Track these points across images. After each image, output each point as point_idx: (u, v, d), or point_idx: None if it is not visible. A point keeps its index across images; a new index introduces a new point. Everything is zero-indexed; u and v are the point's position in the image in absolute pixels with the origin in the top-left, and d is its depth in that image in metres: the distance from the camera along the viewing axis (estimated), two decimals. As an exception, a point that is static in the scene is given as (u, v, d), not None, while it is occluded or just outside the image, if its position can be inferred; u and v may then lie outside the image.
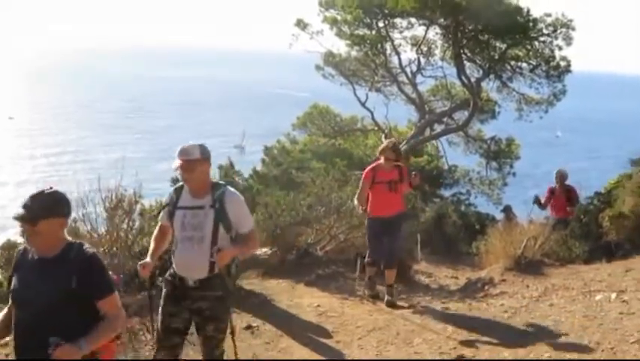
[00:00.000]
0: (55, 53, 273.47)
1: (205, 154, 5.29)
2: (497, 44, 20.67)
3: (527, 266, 10.55)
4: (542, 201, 14.11)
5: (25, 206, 3.91)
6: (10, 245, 11.11)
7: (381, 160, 9.57)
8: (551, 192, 13.99)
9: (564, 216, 13.71)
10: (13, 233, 12.47)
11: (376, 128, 23.55)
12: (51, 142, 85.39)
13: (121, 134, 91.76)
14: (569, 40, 19.66)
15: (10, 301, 4.13)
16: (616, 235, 13.15)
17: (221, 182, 5.52)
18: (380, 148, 9.84)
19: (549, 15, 19.52)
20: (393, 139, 12.71)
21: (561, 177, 13.89)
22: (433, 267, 13.99)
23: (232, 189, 5.39)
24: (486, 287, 10.25)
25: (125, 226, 8.42)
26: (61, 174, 61.35)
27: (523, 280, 10.15)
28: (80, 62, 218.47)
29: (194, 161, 5.20)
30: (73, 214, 8.13)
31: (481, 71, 21.47)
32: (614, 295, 8.56)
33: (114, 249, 8.02)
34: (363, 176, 9.59)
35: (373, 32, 21.55)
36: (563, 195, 13.75)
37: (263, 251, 10.08)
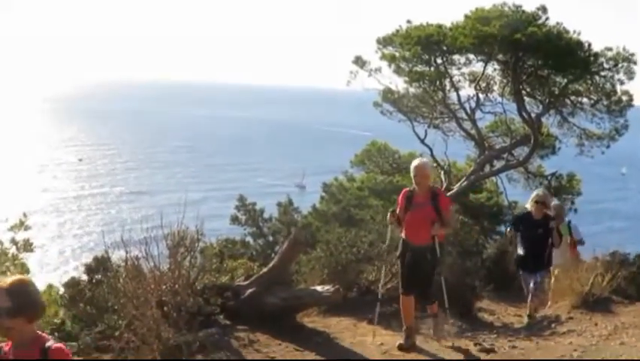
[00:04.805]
0: (109, 93, 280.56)
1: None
2: (557, 79, 20.46)
3: (595, 304, 10.29)
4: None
5: None
6: (74, 283, 11.21)
7: None
8: (408, 199, 8.83)
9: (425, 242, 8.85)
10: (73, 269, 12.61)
11: (435, 164, 23.39)
12: (115, 181, 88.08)
13: (178, 173, 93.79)
14: (630, 74, 19.35)
15: None
16: (686, 271, 12.73)
17: None
18: None
19: (610, 49, 19.27)
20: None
21: (422, 176, 8.71)
22: (495, 304, 13.75)
23: None
24: (553, 325, 10.01)
25: (187, 263, 8.41)
26: (125, 212, 63.39)
27: (591, 317, 9.90)
28: (132, 103, 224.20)
29: None
30: (137, 252, 8.25)
31: (541, 107, 21.24)
32: (687, 334, 8.30)
33: (176, 286, 8.00)
34: None
35: (432, 69, 21.52)
36: (429, 204, 8.65)
37: (324, 288, 9.97)
